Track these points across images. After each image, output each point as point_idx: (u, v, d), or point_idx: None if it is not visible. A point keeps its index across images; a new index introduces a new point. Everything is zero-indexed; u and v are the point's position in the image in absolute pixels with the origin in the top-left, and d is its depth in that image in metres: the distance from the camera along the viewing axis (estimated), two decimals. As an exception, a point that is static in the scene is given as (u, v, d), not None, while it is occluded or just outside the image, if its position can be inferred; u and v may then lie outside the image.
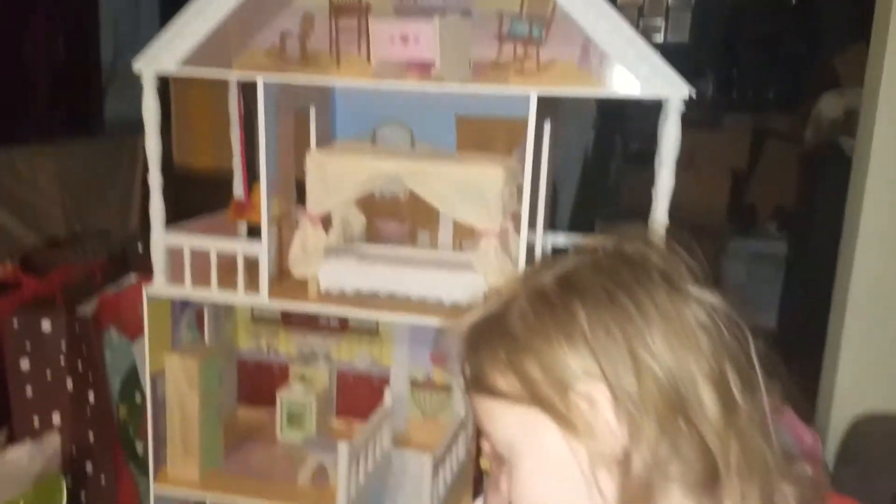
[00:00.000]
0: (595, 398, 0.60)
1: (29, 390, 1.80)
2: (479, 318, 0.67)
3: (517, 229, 1.30)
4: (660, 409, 0.59)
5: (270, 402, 1.66)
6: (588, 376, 0.60)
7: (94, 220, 2.81)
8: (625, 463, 0.60)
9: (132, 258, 2.05)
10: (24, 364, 1.79)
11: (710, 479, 0.60)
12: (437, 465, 1.42)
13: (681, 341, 0.60)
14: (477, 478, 1.51)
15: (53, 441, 1.78)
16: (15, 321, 1.78)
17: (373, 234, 1.55)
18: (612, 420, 0.60)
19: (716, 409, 0.59)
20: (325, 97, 1.54)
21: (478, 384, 0.65)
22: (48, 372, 1.79)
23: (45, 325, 1.76)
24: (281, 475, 1.53)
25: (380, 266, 1.40)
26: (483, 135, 1.49)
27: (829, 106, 3.15)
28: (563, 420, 0.61)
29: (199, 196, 1.61)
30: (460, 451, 1.53)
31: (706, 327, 0.61)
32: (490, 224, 1.30)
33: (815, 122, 3.27)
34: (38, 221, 2.67)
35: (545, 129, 1.34)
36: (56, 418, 1.81)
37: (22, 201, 2.64)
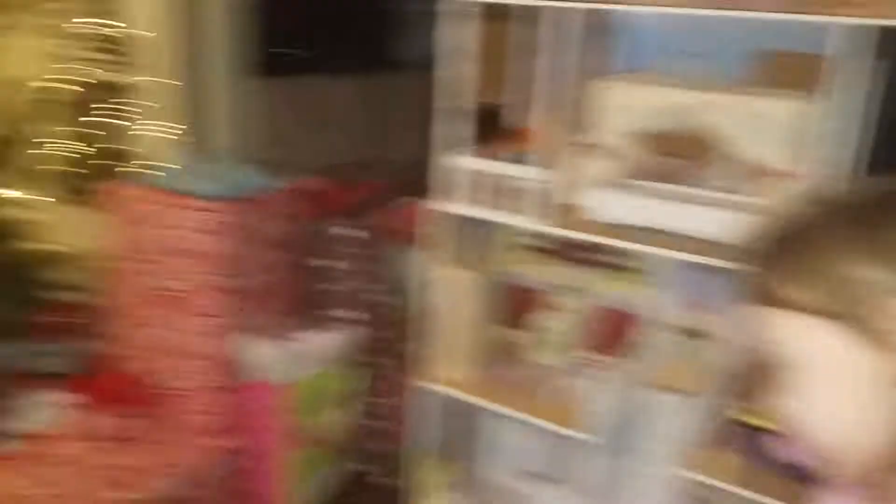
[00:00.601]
0: None
1: (333, 286, 2.09)
2: (775, 232, 0.66)
3: (814, 172, 1.21)
4: None
5: (528, 326, 1.74)
6: None
7: (384, 146, 3.11)
8: None
9: (416, 181, 2.25)
10: (331, 263, 2.07)
11: None
12: (690, 409, 1.41)
13: None
14: (730, 426, 1.47)
15: (350, 331, 2.05)
16: (320, 226, 2.06)
17: (651, 169, 1.53)
18: None
19: None
20: (614, 27, 1.53)
21: (771, 297, 0.65)
22: (345, 272, 2.06)
23: (345, 231, 2.02)
24: (535, 392, 1.61)
25: (654, 201, 1.39)
26: (783, 71, 1.39)
27: None
28: (871, 334, 0.60)
29: (472, 127, 1.70)
30: (715, 398, 1.49)
31: None
32: (782, 163, 1.22)
33: None
34: (339, 144, 3.02)
35: (861, 68, 1.21)
36: (353, 313, 2.08)
37: (335, 126, 3.01)
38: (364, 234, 2.03)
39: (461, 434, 1.89)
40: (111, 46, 2.37)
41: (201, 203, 1.85)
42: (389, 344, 2.14)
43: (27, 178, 2.55)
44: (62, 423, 1.95)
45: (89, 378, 2.01)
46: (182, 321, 1.94)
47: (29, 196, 2.42)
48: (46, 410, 2.04)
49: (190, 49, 2.33)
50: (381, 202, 2.18)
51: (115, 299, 2.03)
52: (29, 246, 2.26)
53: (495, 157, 1.55)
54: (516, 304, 1.80)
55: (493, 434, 1.91)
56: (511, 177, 1.48)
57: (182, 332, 1.94)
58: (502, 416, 1.67)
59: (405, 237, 2.08)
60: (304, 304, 2.12)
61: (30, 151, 2.58)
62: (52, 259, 2.29)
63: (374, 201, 2.19)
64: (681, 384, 1.54)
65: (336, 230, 2.04)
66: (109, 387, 1.93)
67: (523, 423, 1.58)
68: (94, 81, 2.44)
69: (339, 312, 2.10)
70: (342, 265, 2.06)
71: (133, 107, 2.40)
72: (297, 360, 1.97)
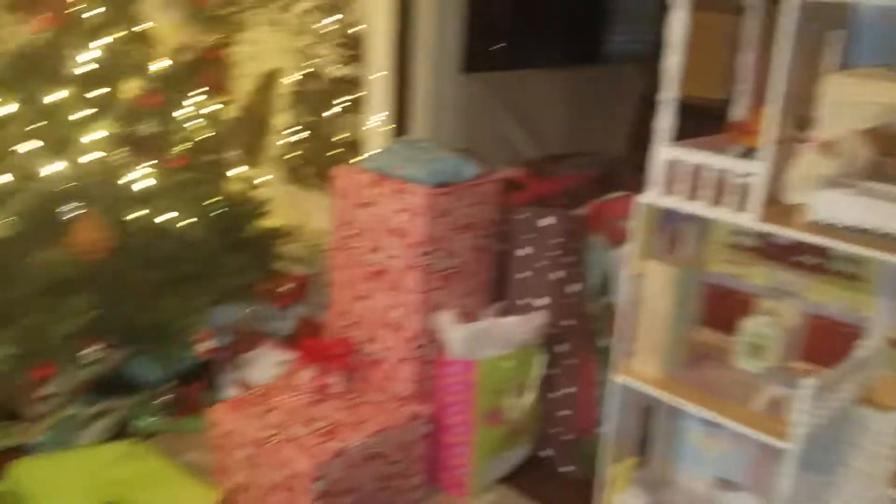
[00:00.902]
0: None
1: (525, 274, 2.16)
2: None
3: None
4: None
5: (730, 329, 1.69)
6: None
7: (588, 140, 3.14)
8: None
9: (619, 176, 2.26)
10: (525, 251, 2.15)
11: None
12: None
13: None
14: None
15: (539, 318, 2.12)
16: (521, 214, 2.14)
17: (879, 171, 1.44)
18: None
19: None
20: (847, 21, 1.46)
21: None
22: (542, 260, 2.12)
23: (545, 220, 2.08)
24: (734, 397, 1.57)
25: (881, 203, 1.31)
26: None
27: None
28: None
29: (689, 121, 1.68)
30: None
31: None
32: None
33: None
34: (541, 136, 3.09)
35: None
36: (542, 301, 2.14)
37: (531, 119, 3.09)
38: (563, 225, 2.08)
39: (653, 431, 1.88)
40: (348, 42, 2.62)
41: (414, 188, 2.00)
42: (578, 334, 2.17)
43: (271, 162, 2.89)
44: (284, 377, 2.20)
45: (309, 340, 2.24)
46: (391, 296, 2.11)
47: (271, 178, 2.74)
48: (272, 365, 2.32)
49: (404, 44, 2.51)
50: (584, 194, 2.22)
51: (336, 273, 2.25)
52: (269, 222, 2.57)
53: (712, 151, 1.51)
54: (721, 305, 1.76)
55: (685, 435, 1.88)
56: (728, 171, 1.45)
57: (390, 305, 2.12)
58: (697, 418, 1.65)
59: (607, 230, 2.10)
60: (496, 288, 2.22)
61: (275, 140, 2.92)
62: (286, 234, 2.58)
63: (576, 193, 2.23)
64: (892, 400, 1.44)
65: (534, 220, 2.11)
66: (326, 350, 2.14)
67: (719, 426, 1.55)
68: (333, 76, 2.70)
69: (530, 299, 2.16)
70: (537, 253, 2.12)
71: (359, 99, 2.63)
72: (487, 341, 2.07)
